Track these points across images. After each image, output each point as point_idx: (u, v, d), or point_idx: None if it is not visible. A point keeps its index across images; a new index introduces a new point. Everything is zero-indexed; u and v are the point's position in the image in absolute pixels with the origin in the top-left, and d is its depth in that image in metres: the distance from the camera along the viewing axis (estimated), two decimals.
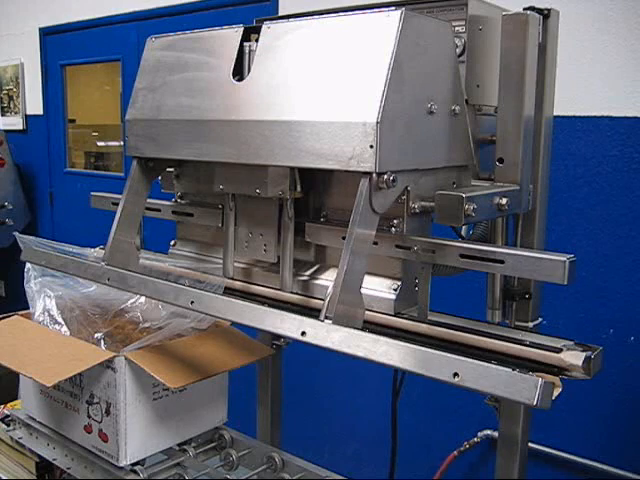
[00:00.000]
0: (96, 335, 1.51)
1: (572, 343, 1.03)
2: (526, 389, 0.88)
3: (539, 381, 0.88)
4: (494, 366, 0.92)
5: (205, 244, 1.51)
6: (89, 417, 1.46)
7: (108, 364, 1.39)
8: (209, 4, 3.57)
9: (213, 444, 1.59)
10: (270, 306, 1.12)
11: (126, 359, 1.38)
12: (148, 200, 1.45)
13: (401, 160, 1.07)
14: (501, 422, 1.46)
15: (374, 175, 1.03)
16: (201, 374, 1.40)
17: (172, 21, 3.67)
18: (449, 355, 0.95)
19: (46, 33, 4.59)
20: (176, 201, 1.52)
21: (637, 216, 2.24)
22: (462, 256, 1.09)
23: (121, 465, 1.41)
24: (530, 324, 1.37)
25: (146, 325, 1.54)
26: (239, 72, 1.23)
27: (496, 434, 1.75)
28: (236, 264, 1.40)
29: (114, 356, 1.38)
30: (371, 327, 1.13)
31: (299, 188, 1.25)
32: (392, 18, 1.05)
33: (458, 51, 1.23)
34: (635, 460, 2.27)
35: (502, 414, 1.45)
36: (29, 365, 1.38)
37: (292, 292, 1.31)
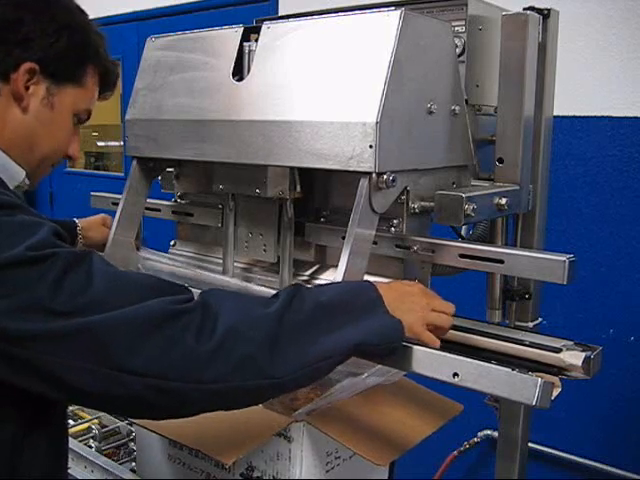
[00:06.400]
0: None
1: (572, 343, 1.03)
2: (526, 389, 0.89)
3: (538, 381, 0.88)
4: (494, 366, 0.92)
5: (205, 244, 1.51)
6: None
7: (281, 431, 1.19)
8: (209, 4, 3.57)
9: None
10: None
11: (305, 426, 1.17)
12: (148, 200, 1.44)
13: (401, 160, 1.07)
14: (501, 422, 1.47)
15: (374, 175, 1.03)
16: (398, 445, 1.21)
17: (172, 21, 3.67)
18: (449, 355, 0.95)
19: None
20: (176, 201, 1.52)
21: (637, 216, 2.24)
22: (462, 256, 1.09)
23: None
24: (530, 324, 1.37)
25: None
26: (239, 72, 1.23)
27: (496, 434, 1.75)
28: (236, 264, 1.40)
29: (291, 422, 1.16)
30: None
31: (299, 188, 1.25)
32: (392, 18, 1.05)
33: (458, 51, 1.23)
34: (635, 460, 2.27)
35: (502, 414, 1.45)
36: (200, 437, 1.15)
37: None
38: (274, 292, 0.96)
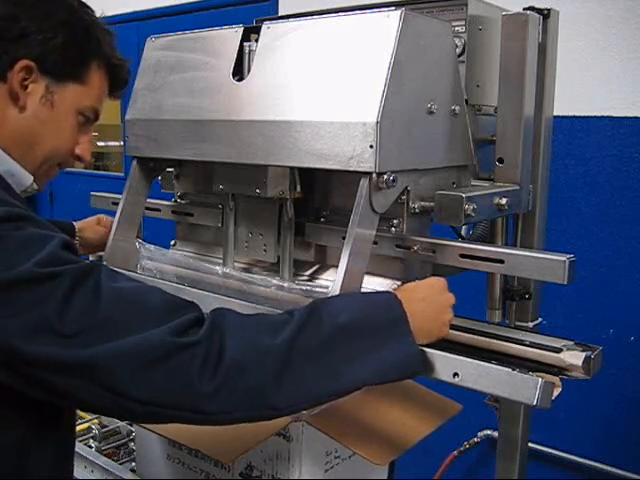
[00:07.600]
0: None
1: (572, 343, 1.03)
2: (526, 389, 0.89)
3: (539, 381, 0.88)
4: (494, 366, 0.92)
5: (205, 244, 1.51)
6: None
7: (280, 431, 1.20)
8: (209, 4, 3.57)
9: None
10: (270, 306, 1.12)
11: (304, 426, 1.18)
12: (148, 200, 1.44)
13: (401, 160, 1.07)
14: (501, 422, 1.47)
15: (374, 175, 1.03)
16: (397, 445, 1.21)
17: (172, 21, 3.67)
18: (449, 355, 0.95)
19: None
20: (176, 201, 1.52)
21: (637, 216, 2.24)
22: (462, 256, 1.09)
23: None
24: (530, 324, 1.37)
25: None
26: (239, 72, 1.23)
27: (496, 434, 1.75)
28: (236, 264, 1.40)
29: (290, 422, 1.16)
30: None
31: (299, 188, 1.25)
32: (392, 18, 1.04)
33: (458, 51, 1.23)
34: (635, 460, 2.27)
35: (502, 414, 1.45)
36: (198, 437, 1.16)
37: (292, 292, 1.31)
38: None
